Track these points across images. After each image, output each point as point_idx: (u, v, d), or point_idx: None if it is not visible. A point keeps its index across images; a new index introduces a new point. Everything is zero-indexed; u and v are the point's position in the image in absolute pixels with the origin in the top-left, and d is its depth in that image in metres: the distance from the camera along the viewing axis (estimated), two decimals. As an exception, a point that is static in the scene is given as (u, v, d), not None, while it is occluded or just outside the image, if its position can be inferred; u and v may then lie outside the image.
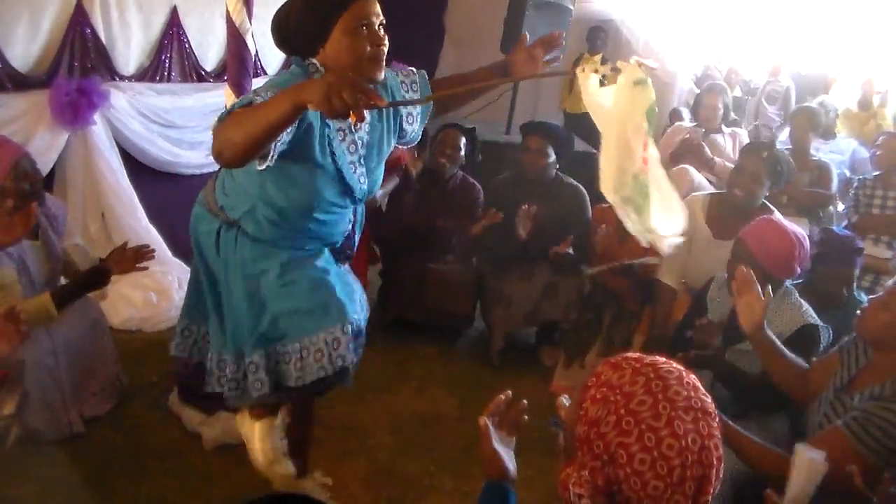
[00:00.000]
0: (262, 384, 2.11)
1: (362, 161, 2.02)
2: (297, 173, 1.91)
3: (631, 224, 1.49)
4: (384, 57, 1.87)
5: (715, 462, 1.11)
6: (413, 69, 2.18)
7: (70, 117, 3.51)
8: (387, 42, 1.86)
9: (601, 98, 1.48)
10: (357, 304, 2.20)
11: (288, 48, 1.94)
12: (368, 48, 1.82)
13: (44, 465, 2.65)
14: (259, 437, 2.33)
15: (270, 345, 2.10)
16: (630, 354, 1.21)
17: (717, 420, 1.14)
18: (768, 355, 2.30)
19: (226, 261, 2.11)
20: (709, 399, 1.15)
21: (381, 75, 1.88)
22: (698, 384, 1.17)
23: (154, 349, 3.58)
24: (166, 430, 2.96)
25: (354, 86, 1.41)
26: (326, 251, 2.18)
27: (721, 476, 1.13)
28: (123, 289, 3.72)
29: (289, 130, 1.71)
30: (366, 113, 1.93)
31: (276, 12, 1.89)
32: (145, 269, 2.83)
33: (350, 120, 1.85)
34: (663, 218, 1.46)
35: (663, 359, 1.20)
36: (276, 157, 1.76)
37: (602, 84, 1.48)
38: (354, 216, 2.26)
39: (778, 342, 2.31)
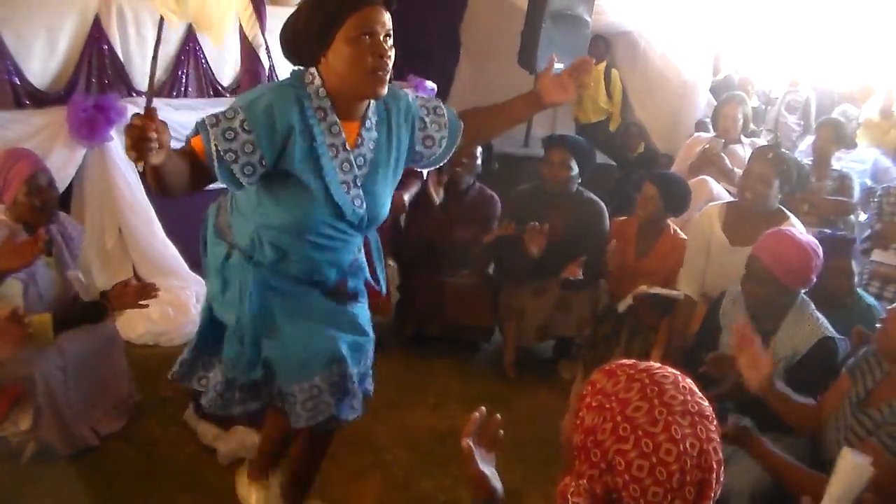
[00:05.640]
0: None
1: (357, 181, 1.89)
2: (286, 190, 1.84)
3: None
4: (387, 71, 1.74)
5: (714, 466, 1.09)
6: (440, 104, 2.06)
7: (87, 133, 3.52)
8: (392, 55, 1.74)
9: None
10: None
11: (292, 56, 1.86)
12: (370, 59, 1.70)
13: (59, 480, 2.65)
14: (255, 500, 2.39)
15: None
16: (624, 361, 1.19)
17: (714, 423, 1.12)
18: (784, 406, 2.23)
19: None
20: (706, 402, 1.13)
21: (383, 91, 1.76)
22: (695, 388, 1.15)
23: (170, 364, 3.54)
24: (182, 445, 2.95)
25: (128, 130, 1.47)
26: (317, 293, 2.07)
27: (722, 480, 1.11)
28: (140, 303, 3.72)
29: (260, 153, 1.73)
30: (373, 132, 1.90)
31: (285, 21, 1.84)
32: (146, 307, 2.79)
33: (343, 136, 1.83)
34: None
35: (658, 364, 1.18)
36: (255, 180, 1.77)
37: None
38: (368, 253, 2.19)
39: (790, 391, 2.24)
